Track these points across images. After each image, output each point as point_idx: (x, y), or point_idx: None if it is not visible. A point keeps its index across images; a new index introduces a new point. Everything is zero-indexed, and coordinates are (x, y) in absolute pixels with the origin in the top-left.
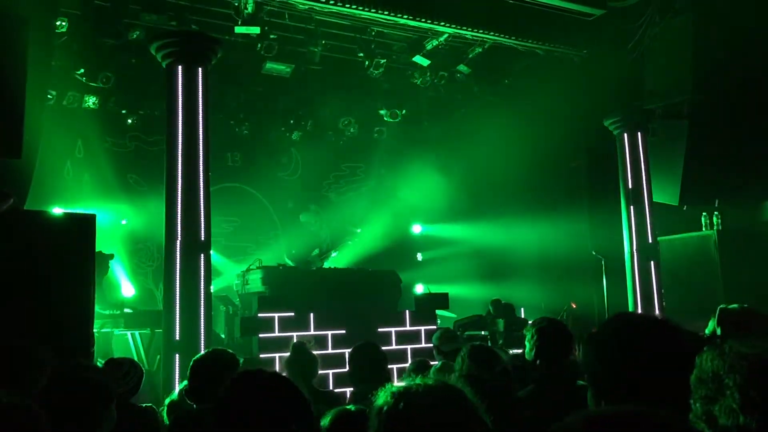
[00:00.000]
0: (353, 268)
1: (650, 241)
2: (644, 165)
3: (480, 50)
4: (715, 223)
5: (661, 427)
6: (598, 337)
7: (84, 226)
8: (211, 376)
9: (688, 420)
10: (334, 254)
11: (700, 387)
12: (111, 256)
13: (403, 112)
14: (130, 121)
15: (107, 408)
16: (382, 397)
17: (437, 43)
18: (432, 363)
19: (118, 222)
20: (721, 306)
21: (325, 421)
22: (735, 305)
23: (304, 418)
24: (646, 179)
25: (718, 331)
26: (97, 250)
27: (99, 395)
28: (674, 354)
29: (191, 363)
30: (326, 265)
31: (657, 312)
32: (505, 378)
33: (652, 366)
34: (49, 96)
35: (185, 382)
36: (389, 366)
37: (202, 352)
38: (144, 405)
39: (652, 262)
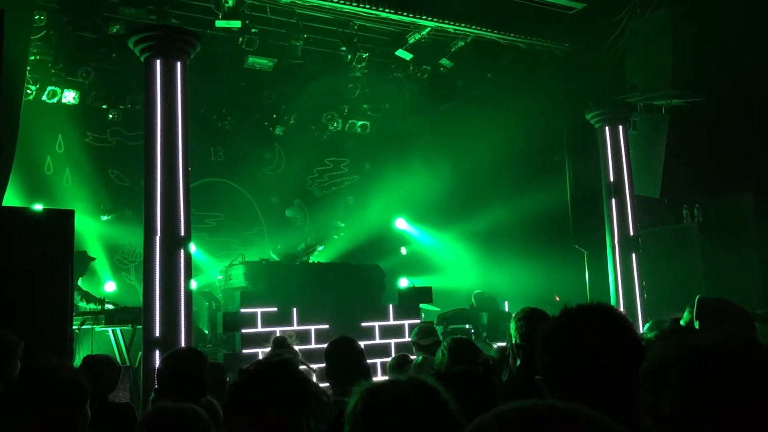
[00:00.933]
0: (337, 262)
1: (632, 233)
2: (626, 158)
3: (462, 44)
4: (696, 216)
5: (574, 423)
6: (544, 331)
7: (62, 222)
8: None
9: (606, 416)
10: (320, 248)
11: (647, 377)
12: (93, 259)
13: (387, 106)
14: (111, 116)
15: (81, 406)
16: (354, 396)
17: (420, 37)
18: (412, 357)
19: (100, 218)
20: (698, 297)
21: None
22: (711, 297)
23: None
24: (627, 172)
25: (696, 324)
26: (82, 249)
27: (72, 394)
28: (616, 348)
29: (161, 361)
30: (311, 259)
31: (638, 304)
32: (485, 370)
33: (590, 360)
34: (28, 90)
35: None
36: (372, 360)
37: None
38: (121, 402)
39: (633, 255)
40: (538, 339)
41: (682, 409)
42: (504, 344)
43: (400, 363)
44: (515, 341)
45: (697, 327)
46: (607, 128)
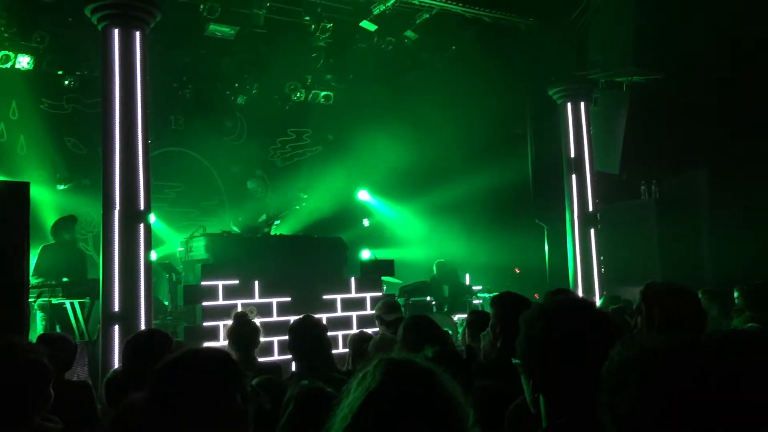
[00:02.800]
0: (299, 234)
1: (591, 209)
2: (586, 135)
3: (427, 16)
4: (653, 192)
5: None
6: (524, 318)
7: (17, 194)
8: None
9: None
10: (278, 222)
11: (608, 378)
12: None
13: (350, 77)
14: (67, 82)
15: (45, 387)
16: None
17: (384, 8)
18: (374, 330)
19: (56, 187)
20: (648, 283)
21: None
22: (660, 281)
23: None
24: (588, 148)
25: (644, 308)
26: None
27: (36, 376)
28: (590, 344)
29: (125, 345)
30: (272, 231)
31: (596, 278)
32: (468, 354)
33: (564, 350)
34: None
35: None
36: (334, 333)
37: (141, 328)
38: (77, 380)
39: (592, 230)
40: (520, 324)
41: (637, 411)
42: (465, 316)
43: (362, 338)
44: (492, 324)
45: (644, 311)
46: (568, 104)
